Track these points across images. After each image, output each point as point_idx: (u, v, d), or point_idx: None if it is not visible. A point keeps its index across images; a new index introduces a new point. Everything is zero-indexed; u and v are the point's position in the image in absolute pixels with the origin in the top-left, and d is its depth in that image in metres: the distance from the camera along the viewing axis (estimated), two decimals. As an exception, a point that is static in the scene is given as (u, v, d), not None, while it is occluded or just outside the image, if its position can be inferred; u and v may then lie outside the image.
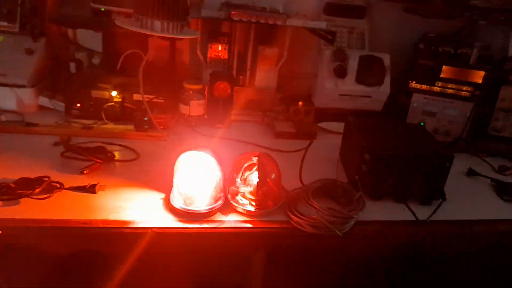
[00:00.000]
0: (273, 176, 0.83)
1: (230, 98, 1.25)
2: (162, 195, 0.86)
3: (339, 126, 1.33)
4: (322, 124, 1.35)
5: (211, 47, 1.29)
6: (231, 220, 0.81)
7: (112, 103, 1.18)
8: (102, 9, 1.10)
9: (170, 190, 0.85)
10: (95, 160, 0.92)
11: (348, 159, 1.05)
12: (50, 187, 0.81)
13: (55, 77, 1.30)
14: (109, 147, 1.01)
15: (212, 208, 0.81)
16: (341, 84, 1.32)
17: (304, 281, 0.85)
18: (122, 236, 0.74)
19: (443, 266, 0.89)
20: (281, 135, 1.25)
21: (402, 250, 0.86)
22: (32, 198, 0.77)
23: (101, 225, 0.74)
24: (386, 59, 1.35)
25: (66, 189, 0.82)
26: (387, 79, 1.34)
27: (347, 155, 1.08)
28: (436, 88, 1.31)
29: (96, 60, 1.38)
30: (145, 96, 1.18)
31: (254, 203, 0.83)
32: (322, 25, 1.19)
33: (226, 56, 1.31)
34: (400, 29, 1.55)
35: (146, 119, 1.13)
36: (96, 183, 0.84)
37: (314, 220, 0.79)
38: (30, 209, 0.75)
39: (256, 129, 1.31)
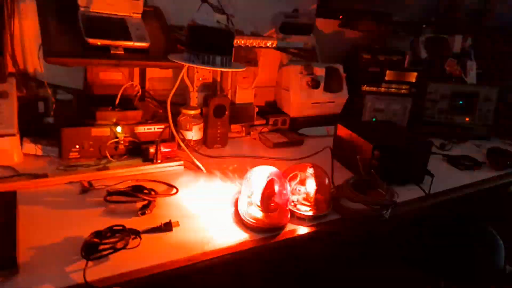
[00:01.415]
0: (326, 181, 0.96)
1: (227, 119, 1.32)
2: (228, 215, 0.91)
3: (316, 131, 1.53)
4: (302, 131, 1.51)
5: (198, 72, 1.33)
6: (296, 227, 0.91)
7: (116, 139, 1.13)
8: (99, 44, 1.05)
9: (234, 208, 0.91)
10: (148, 198, 0.91)
11: (349, 156, 1.23)
12: (127, 235, 0.78)
13: (30, 119, 1.17)
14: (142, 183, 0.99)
15: (286, 218, 0.90)
16: (313, 94, 1.50)
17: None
18: (228, 260, 0.78)
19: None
20: (277, 145, 1.37)
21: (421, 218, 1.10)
22: (124, 249, 0.74)
23: (206, 258, 0.76)
24: (340, 68, 1.59)
25: (143, 233, 0.80)
26: (345, 86, 1.58)
27: (346, 153, 1.26)
28: (382, 89, 1.61)
29: (64, 96, 1.28)
30: (150, 125, 1.18)
31: (310, 208, 0.95)
32: (300, 44, 1.35)
33: (211, 79, 1.37)
34: (336, 42, 1.83)
35: (152, 150, 1.12)
36: (167, 220, 0.84)
37: (363, 210, 0.95)
38: (125, 261, 0.73)
39: (249, 143, 1.41)
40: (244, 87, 1.46)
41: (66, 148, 1.08)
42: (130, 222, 0.83)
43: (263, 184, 0.86)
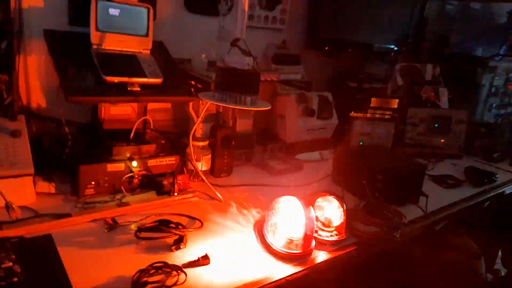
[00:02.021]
0: (344, 207, 1.04)
1: (233, 148, 1.37)
2: (254, 244, 0.95)
3: (311, 156, 1.61)
4: (299, 156, 1.59)
5: (202, 104, 1.37)
6: (320, 252, 0.98)
7: (131, 174, 1.14)
8: (116, 81, 1.07)
9: (259, 238, 0.95)
10: (179, 233, 0.93)
11: (351, 181, 1.32)
12: (171, 271, 0.81)
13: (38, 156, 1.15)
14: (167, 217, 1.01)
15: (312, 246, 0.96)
16: (308, 122, 1.60)
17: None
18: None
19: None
20: (279, 172, 1.44)
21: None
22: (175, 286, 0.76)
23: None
24: (330, 96, 1.70)
25: (185, 267, 0.83)
26: (335, 113, 1.69)
27: (347, 178, 1.35)
28: (368, 115, 1.73)
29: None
30: (162, 158, 1.20)
31: (330, 234, 1.02)
32: (298, 76, 1.45)
33: (215, 111, 1.42)
34: (319, 69, 1.95)
35: (166, 182, 1.14)
36: (203, 254, 0.87)
37: (377, 233, 1.04)
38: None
39: (252, 171, 1.46)
40: (243, 117, 1.52)
41: (83, 185, 1.08)
42: (167, 258, 0.85)
43: (301, 216, 0.91)
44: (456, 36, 2.36)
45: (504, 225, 1.77)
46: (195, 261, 0.85)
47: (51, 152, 1.21)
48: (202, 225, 1.01)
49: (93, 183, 1.09)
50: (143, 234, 0.91)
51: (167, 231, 0.92)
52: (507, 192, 1.57)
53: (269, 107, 1.05)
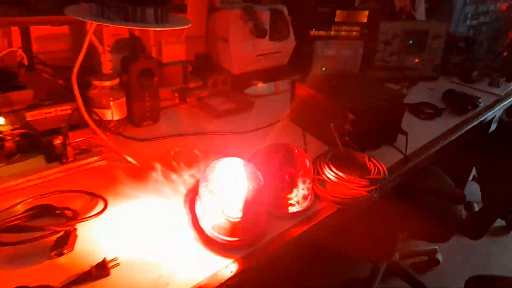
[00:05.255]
0: (307, 164, 0.75)
1: (156, 86, 1.01)
2: (187, 232, 0.66)
3: (265, 89, 1.29)
4: (249, 91, 1.26)
5: (108, 26, 0.97)
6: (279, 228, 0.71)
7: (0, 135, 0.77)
8: None
9: (192, 219, 0.66)
10: (64, 228, 0.61)
11: (313, 121, 1.04)
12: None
13: None
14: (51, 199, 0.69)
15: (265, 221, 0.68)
16: (258, 45, 1.24)
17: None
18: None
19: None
20: (222, 114, 1.11)
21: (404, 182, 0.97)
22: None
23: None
24: (285, 11, 1.33)
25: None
26: (291, 32, 1.34)
27: (309, 117, 1.05)
28: (332, 32, 1.40)
29: None
30: (49, 108, 0.84)
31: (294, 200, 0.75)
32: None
33: (127, 35, 1.02)
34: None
35: (58, 142, 0.79)
36: (100, 259, 0.57)
37: (352, 195, 0.78)
38: None
39: (187, 114, 1.13)
40: (171, 41, 1.14)
41: None
42: (40, 273, 0.55)
43: (247, 187, 0.62)
44: None
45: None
46: (84, 274, 0.55)
47: None
48: (105, 207, 0.70)
49: None
50: (3, 237, 0.59)
51: (40, 229, 0.60)
52: (489, 118, 1.36)
53: (188, 25, 0.69)
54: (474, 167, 1.80)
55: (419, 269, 1.77)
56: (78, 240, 0.62)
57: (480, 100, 1.34)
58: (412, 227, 1.33)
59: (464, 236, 1.49)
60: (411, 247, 1.85)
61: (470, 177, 1.92)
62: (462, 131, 1.17)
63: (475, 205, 2.07)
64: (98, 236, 0.64)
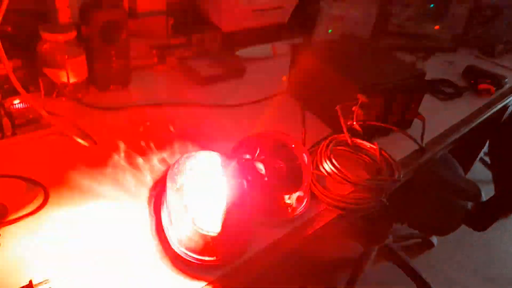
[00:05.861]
0: (305, 160, 0.59)
1: (125, 42, 0.82)
2: (147, 239, 0.52)
3: (260, 51, 1.11)
4: (241, 53, 1.07)
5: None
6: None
7: None
8: None
9: (156, 226, 0.52)
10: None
11: (316, 98, 0.86)
12: None
13: None
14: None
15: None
16: (255, -2, 1.03)
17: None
18: None
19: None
20: (207, 80, 0.93)
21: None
22: None
23: None
24: (289, -44, 1.11)
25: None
26: (294, -17, 1.13)
27: (310, 92, 0.88)
28: (343, -12, 1.19)
29: None
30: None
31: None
32: None
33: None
34: None
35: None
36: (27, 281, 0.43)
37: (357, 198, 0.63)
38: None
39: (166, 77, 0.95)
40: (148, -13, 0.93)
41: None
42: None
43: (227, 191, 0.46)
44: None
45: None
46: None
47: None
48: (45, 202, 0.54)
49: None
50: None
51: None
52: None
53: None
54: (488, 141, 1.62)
55: (413, 251, 1.69)
56: (2, 248, 0.47)
57: (506, 80, 1.17)
58: (413, 219, 1.21)
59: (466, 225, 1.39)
60: (406, 229, 1.75)
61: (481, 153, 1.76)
62: (486, 115, 1.01)
63: (483, 194, 1.94)
64: (27, 247, 0.48)
